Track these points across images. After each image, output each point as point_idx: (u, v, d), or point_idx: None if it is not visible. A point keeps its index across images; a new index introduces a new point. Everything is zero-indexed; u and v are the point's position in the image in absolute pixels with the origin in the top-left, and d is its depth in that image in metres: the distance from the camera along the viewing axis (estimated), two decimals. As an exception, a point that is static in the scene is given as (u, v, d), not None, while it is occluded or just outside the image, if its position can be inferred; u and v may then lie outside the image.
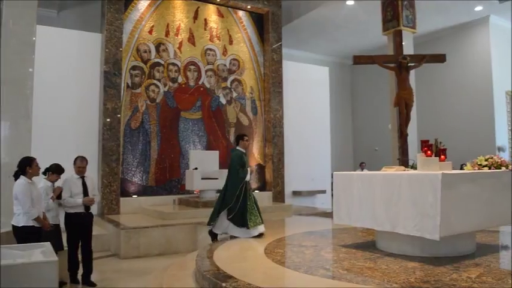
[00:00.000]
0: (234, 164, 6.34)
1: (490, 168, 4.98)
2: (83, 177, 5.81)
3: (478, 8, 13.18)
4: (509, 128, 14.40)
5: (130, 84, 10.91)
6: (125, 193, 10.53)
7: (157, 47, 11.37)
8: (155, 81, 11.27)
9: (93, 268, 5.85)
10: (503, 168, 5.00)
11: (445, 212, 4.22)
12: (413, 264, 4.30)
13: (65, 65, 10.16)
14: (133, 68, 10.99)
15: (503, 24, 14.22)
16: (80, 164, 5.80)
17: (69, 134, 9.95)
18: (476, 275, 3.87)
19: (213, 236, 6.40)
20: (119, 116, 10.43)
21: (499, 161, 5.05)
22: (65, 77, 10.10)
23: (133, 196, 10.67)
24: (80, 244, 5.80)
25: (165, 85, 11.40)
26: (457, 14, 13.57)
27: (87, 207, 5.75)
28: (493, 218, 4.87)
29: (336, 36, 15.56)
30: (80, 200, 5.65)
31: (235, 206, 6.18)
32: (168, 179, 11.23)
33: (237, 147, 6.54)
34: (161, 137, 11.23)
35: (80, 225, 5.74)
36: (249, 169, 6.48)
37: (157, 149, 11.14)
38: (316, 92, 14.22)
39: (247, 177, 6.37)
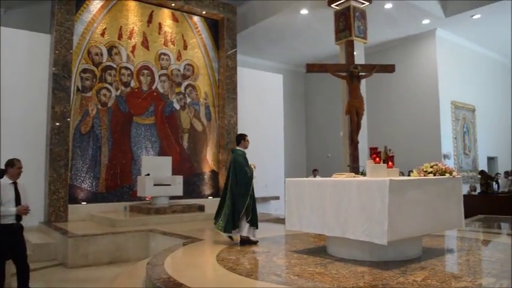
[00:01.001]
0: (241, 164, 6.24)
1: (435, 175, 5.17)
2: (15, 184, 5.16)
3: (426, 22, 13.74)
4: (454, 136, 15.07)
5: (80, 88, 10.60)
6: (74, 200, 10.18)
7: (109, 50, 11.12)
8: (107, 85, 11.01)
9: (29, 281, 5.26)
10: (448, 175, 5.19)
11: (392, 218, 4.35)
12: (362, 269, 4.39)
13: (12, 66, 9.73)
14: (84, 71, 10.69)
15: (448, 37, 14.91)
16: (20, 164, 5.18)
17: (14, 138, 9.49)
18: (421, 278, 3.99)
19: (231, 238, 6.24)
20: (68, 120, 10.10)
21: (444, 167, 5.25)
22: (11, 78, 9.67)
23: (83, 203, 10.34)
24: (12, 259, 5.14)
25: (117, 89, 11.15)
26: (405, 26, 14.10)
27: (18, 217, 5.10)
28: (438, 223, 5.06)
29: (290, 44, 15.77)
30: (13, 209, 5.02)
31: (250, 206, 6.09)
32: (119, 185, 10.96)
33: (238, 147, 6.48)
34: (112, 142, 10.96)
35: (10, 237, 5.05)
36: (253, 167, 6.40)
37: (108, 155, 10.86)
38: (270, 98, 14.34)
39: (254, 175, 6.31)
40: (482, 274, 4.36)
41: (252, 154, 13.01)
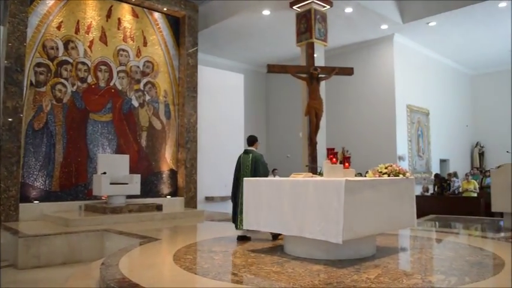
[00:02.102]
0: (264, 164, 6.46)
1: (389, 176, 5.30)
2: None
3: (384, 27, 14.09)
4: (409, 139, 15.52)
5: (34, 82, 10.23)
6: (26, 199, 9.81)
7: (65, 44, 10.78)
8: (62, 80, 10.67)
9: None
10: (401, 176, 5.35)
11: (347, 217, 4.43)
12: (318, 267, 4.45)
13: (-41, 58, 9.30)
14: (38, 65, 10.32)
15: (405, 42, 15.34)
16: None
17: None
18: (374, 275, 4.09)
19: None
20: (20, 115, 9.72)
21: (398, 169, 5.39)
22: (-42, 71, 9.25)
23: (35, 202, 9.97)
24: None
25: (73, 85, 10.83)
26: (364, 31, 14.40)
27: None
28: (392, 222, 5.20)
29: (251, 44, 15.80)
30: None
31: None
32: (74, 183, 10.65)
33: (252, 148, 6.63)
34: (67, 139, 10.63)
35: None
36: None
37: (62, 152, 10.53)
38: (231, 98, 14.32)
39: None
40: (433, 271, 4.52)
41: (212, 153, 13.11)
